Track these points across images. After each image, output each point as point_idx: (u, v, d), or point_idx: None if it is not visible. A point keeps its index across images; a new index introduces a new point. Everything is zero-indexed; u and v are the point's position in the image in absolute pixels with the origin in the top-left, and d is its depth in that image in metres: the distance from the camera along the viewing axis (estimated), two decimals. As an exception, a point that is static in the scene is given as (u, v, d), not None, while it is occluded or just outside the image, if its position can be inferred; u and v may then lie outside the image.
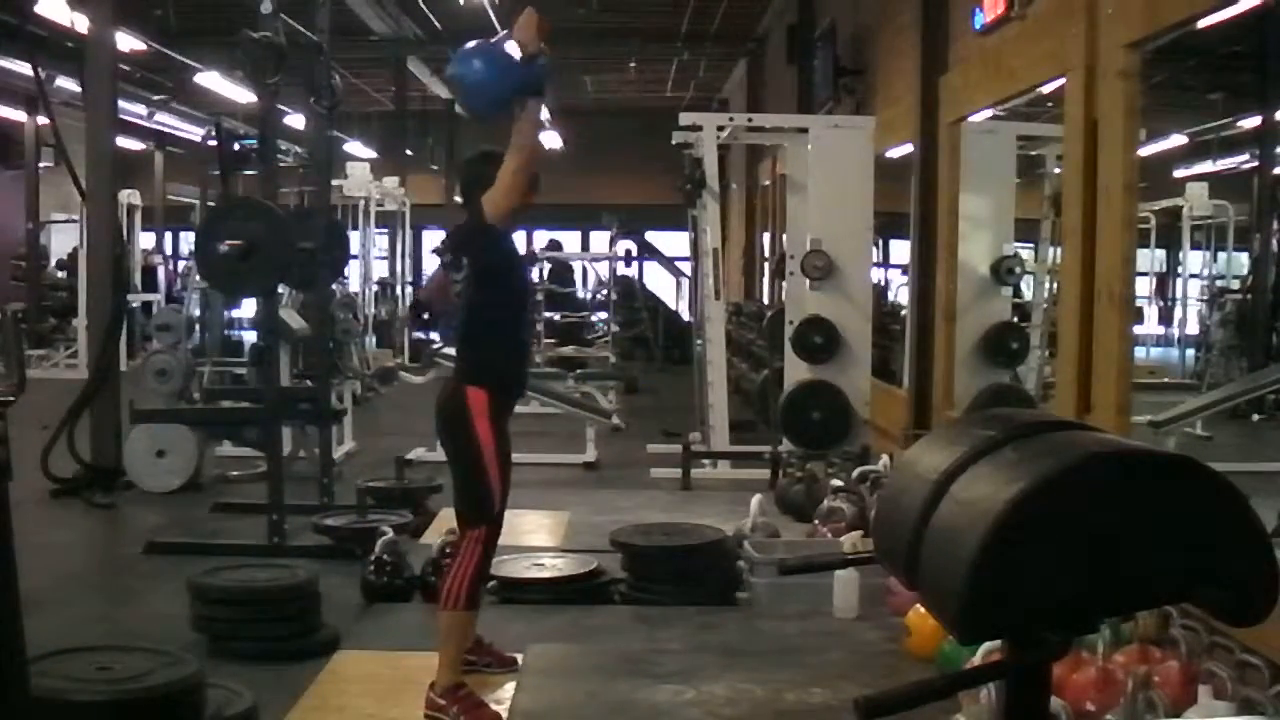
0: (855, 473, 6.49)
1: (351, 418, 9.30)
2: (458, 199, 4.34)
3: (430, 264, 21.68)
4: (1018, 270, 7.28)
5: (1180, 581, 1.85)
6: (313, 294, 8.30)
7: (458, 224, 4.26)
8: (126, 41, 11.14)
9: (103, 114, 8.27)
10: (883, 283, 13.65)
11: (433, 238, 21.31)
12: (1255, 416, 8.64)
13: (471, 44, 4.07)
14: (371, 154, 18.21)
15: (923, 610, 3.92)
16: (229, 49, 9.27)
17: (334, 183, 10.41)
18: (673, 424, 10.12)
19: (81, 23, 8.30)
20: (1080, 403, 4.35)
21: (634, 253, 17.11)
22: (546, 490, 7.79)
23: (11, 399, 2.47)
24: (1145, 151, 7.09)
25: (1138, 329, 8.94)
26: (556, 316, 15.29)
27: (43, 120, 14.58)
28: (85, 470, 7.80)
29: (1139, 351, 10.66)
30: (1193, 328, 11.91)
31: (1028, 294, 8.56)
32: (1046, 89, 5.57)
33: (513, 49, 3.95)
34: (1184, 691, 3.03)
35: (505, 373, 4.15)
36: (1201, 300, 11.86)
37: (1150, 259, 12.12)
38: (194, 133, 16.97)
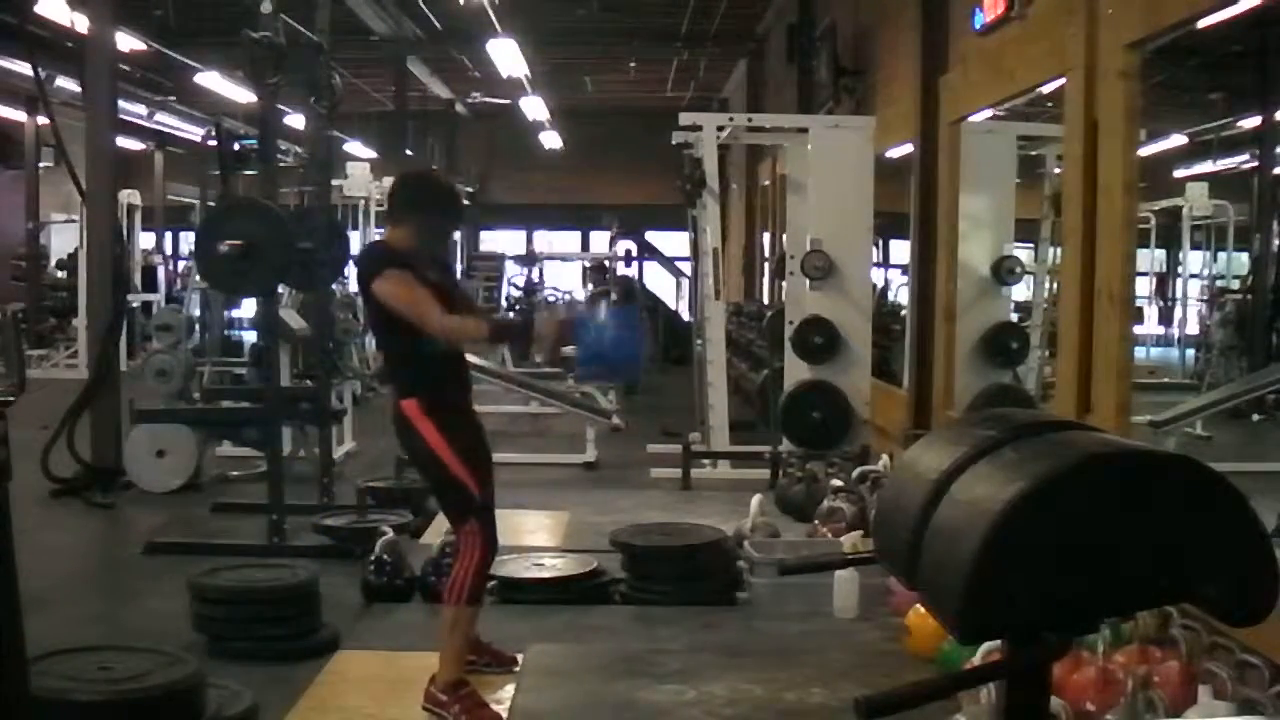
0: (855, 473, 6.50)
1: (351, 418, 9.29)
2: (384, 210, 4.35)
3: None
4: (1018, 270, 7.28)
5: (1180, 581, 1.85)
6: (313, 294, 8.28)
7: (368, 248, 4.24)
8: (126, 41, 11.14)
9: (103, 114, 8.27)
10: (883, 283, 13.64)
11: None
12: (1255, 416, 8.63)
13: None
14: (371, 154, 18.20)
15: (923, 610, 3.92)
16: (229, 49, 9.27)
17: (334, 183, 10.40)
18: (673, 424, 10.11)
19: (81, 23, 8.28)
20: (1080, 403, 4.35)
21: (634, 253, 17.09)
22: (546, 490, 7.79)
23: (11, 399, 2.46)
24: (1145, 151, 7.09)
25: (1138, 329, 8.92)
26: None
27: (43, 120, 14.56)
28: (85, 470, 7.79)
29: (1139, 351, 10.65)
30: (1193, 328, 11.91)
31: (1027, 294, 8.55)
32: (1046, 89, 5.57)
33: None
34: (1184, 691, 3.03)
35: (436, 378, 4.11)
36: (1201, 300, 11.86)
37: (1150, 259, 12.12)
38: (194, 133, 16.95)
